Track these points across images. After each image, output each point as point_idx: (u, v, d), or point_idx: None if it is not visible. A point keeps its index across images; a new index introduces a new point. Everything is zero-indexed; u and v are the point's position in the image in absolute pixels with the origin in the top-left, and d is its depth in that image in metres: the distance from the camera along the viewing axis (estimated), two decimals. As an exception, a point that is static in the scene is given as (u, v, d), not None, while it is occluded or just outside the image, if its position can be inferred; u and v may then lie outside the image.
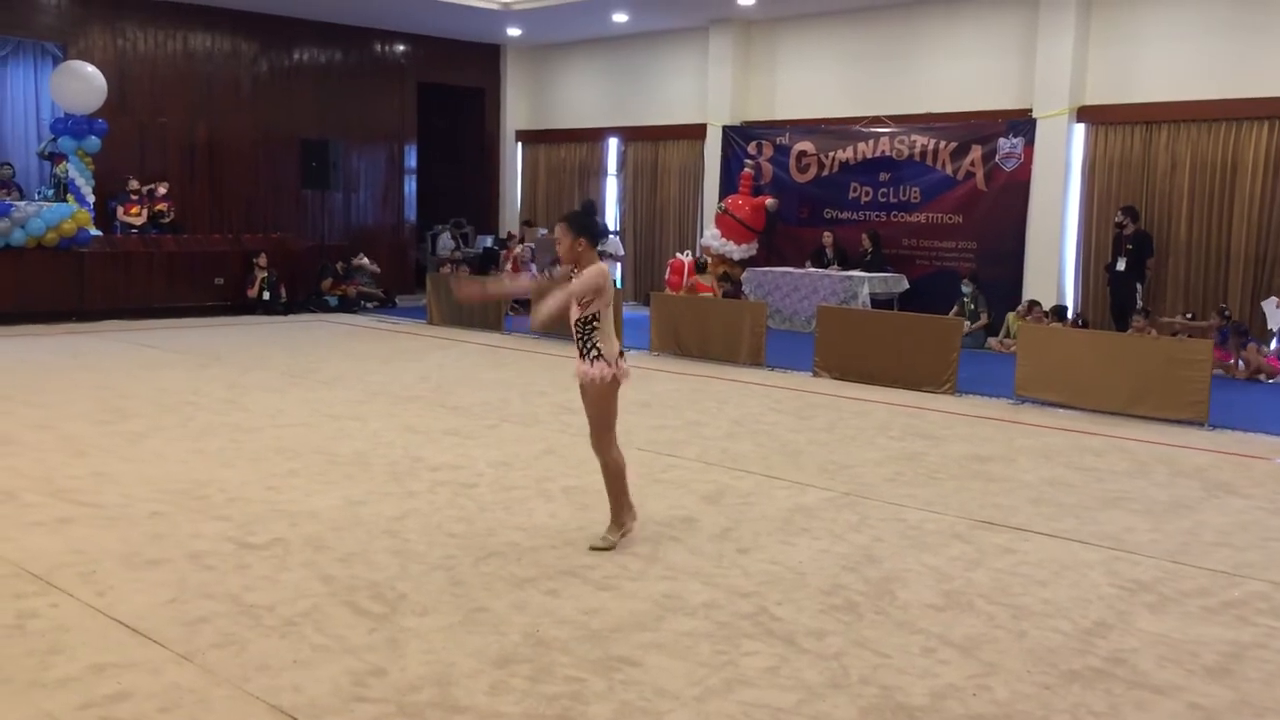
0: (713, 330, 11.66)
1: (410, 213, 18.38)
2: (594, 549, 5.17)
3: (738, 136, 15.76)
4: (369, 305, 16.05)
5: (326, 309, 15.46)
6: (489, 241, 18.01)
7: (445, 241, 18.00)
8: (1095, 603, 4.67)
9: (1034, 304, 12.27)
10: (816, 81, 15.27)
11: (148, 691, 3.59)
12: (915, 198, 14.05)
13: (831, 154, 14.80)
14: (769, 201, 15.00)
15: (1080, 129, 12.94)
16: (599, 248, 5.34)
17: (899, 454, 7.41)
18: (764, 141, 15.47)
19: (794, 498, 6.24)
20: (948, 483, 6.66)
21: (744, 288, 14.44)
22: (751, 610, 4.47)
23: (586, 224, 5.19)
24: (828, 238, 14.43)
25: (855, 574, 4.95)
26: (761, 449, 7.47)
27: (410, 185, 18.33)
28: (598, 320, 5.10)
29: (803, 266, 14.34)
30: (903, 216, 14.18)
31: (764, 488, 6.45)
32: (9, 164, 14.29)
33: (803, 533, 5.56)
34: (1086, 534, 5.66)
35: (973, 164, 13.51)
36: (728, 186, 15.65)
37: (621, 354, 5.20)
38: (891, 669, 3.93)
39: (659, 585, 4.74)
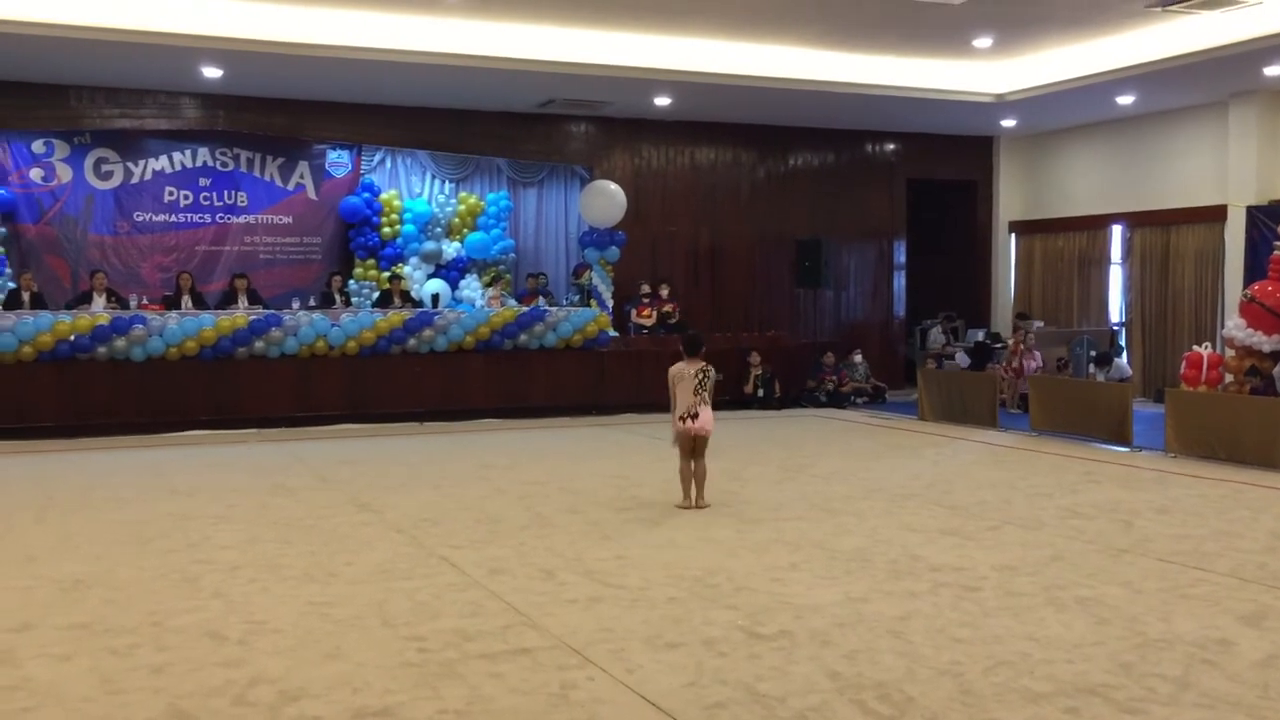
0: (1242, 431, 10.54)
1: (899, 308, 18.46)
2: (679, 507, 8.28)
3: (1265, 217, 14.28)
4: (859, 400, 16.19)
5: (817, 404, 15.79)
6: (980, 335, 17.57)
7: (935, 336, 17.81)
8: None
9: None
10: (1365, 150, 13.53)
11: (674, 770, 3.78)
12: None
13: (1385, 230, 12.97)
14: (1306, 286, 13.37)
15: None
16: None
17: None
18: (1298, 221, 13.89)
19: (1358, 626, 5.42)
20: None
21: (1278, 384, 12.89)
22: (1313, 755, 3.92)
23: (685, 341, 8.46)
24: (1386, 324, 12.54)
25: None
26: (1311, 567, 6.59)
27: (899, 280, 18.43)
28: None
29: (1351, 358, 12.56)
30: None
31: (1318, 612, 5.66)
32: (543, 274, 16.15)
33: (1373, 669, 4.80)
34: None
35: None
36: (1254, 272, 14.18)
37: (682, 418, 8.12)
38: None
39: (1193, 713, 4.28)
